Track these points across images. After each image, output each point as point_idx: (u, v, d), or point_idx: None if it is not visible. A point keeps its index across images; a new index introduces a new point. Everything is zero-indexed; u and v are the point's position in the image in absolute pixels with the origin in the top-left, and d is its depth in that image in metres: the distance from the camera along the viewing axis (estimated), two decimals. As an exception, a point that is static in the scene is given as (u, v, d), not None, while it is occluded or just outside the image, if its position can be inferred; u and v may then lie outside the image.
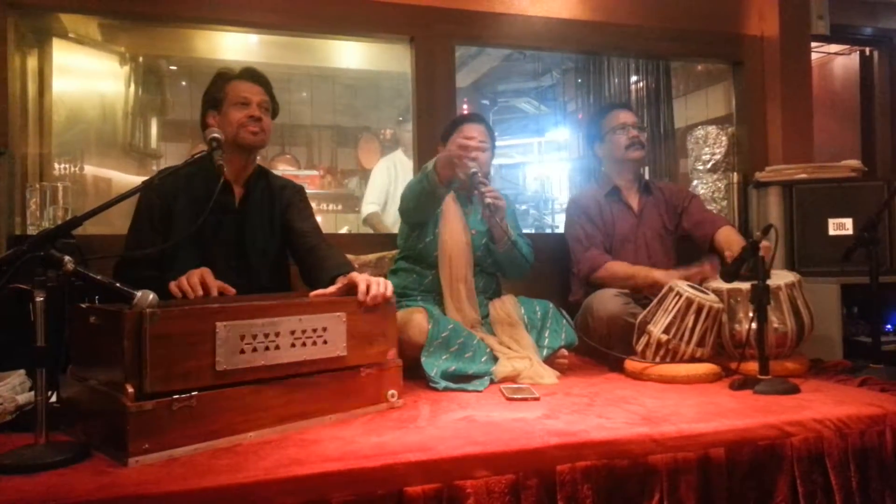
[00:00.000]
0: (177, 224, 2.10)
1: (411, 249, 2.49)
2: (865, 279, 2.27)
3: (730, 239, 2.64)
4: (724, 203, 3.52)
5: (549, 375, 2.19)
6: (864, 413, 1.72)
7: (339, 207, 5.10)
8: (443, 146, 2.57)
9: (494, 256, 2.49)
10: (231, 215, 2.15)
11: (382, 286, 1.83)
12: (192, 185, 2.13)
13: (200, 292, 1.85)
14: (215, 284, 1.90)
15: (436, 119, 3.01)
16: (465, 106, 5.61)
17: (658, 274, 2.51)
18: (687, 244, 2.87)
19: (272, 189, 2.27)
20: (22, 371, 1.77)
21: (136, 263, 2.02)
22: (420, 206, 2.35)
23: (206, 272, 1.91)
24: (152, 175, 1.93)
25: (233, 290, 1.93)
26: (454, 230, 2.44)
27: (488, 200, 2.26)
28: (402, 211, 2.47)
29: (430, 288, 2.44)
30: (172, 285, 1.87)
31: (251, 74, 2.21)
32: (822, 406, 1.77)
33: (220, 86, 2.19)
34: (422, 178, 2.26)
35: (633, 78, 4.59)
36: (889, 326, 3.01)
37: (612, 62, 4.74)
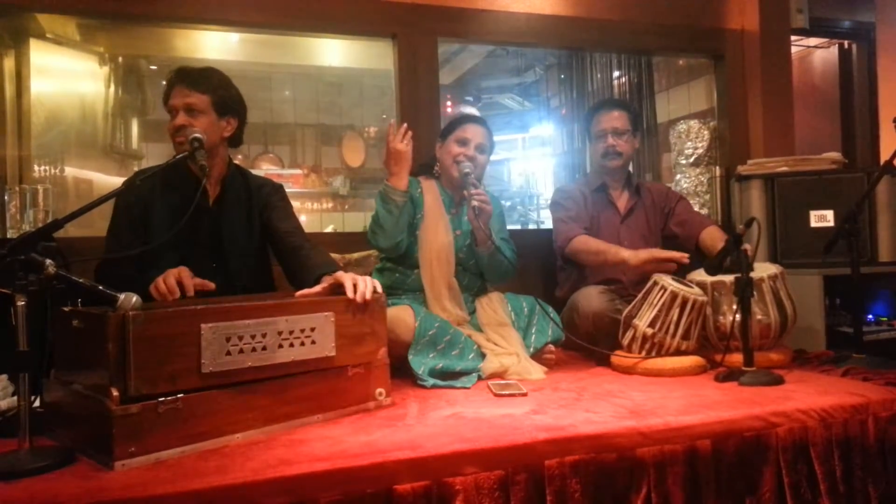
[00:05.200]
0: (155, 226, 2.07)
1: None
2: (847, 270, 2.30)
3: (714, 238, 2.65)
4: (707, 197, 3.55)
5: (536, 371, 2.20)
6: (847, 402, 1.74)
7: (324, 206, 5.09)
8: (440, 143, 2.56)
9: (477, 259, 2.49)
10: (206, 215, 2.11)
11: (370, 284, 1.82)
12: (169, 186, 2.09)
13: (178, 293, 1.82)
14: (191, 284, 1.86)
15: (420, 116, 3.01)
16: (448, 103, 5.61)
17: (626, 253, 2.49)
18: (673, 245, 2.89)
19: (249, 188, 2.22)
20: (4, 376, 1.75)
21: (119, 264, 2.00)
22: (394, 227, 2.32)
23: (183, 271, 1.88)
24: (131, 176, 1.91)
25: (212, 286, 1.90)
26: (436, 231, 2.43)
27: (475, 203, 2.30)
28: (382, 247, 2.41)
29: (415, 287, 2.43)
30: (152, 288, 1.84)
31: (179, 76, 2.08)
32: (807, 396, 1.79)
33: (166, 91, 2.09)
34: (384, 200, 2.29)
35: (616, 73, 4.62)
36: (871, 316, 3.05)
37: (594, 58, 4.76)
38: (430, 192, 2.51)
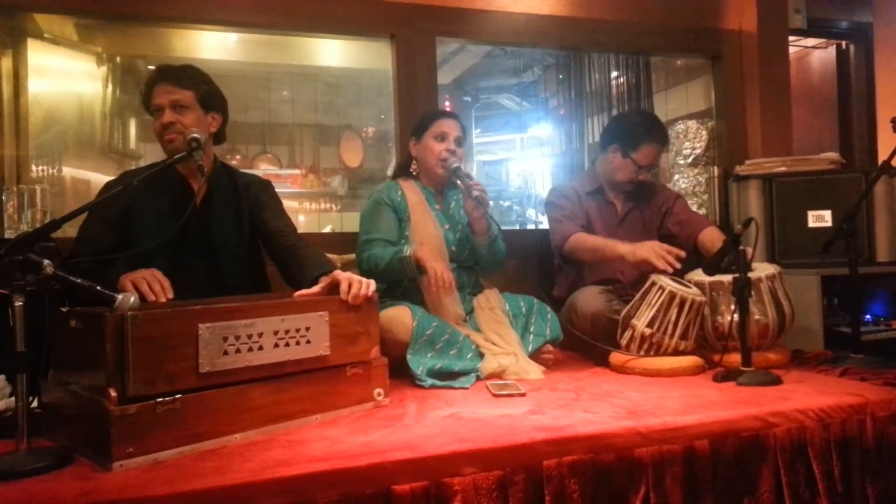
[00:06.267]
0: (140, 226, 2.03)
1: None
2: (845, 270, 2.31)
3: (713, 240, 2.64)
4: (705, 197, 3.55)
5: (534, 371, 2.20)
6: (845, 402, 1.74)
7: (322, 206, 5.08)
8: (415, 141, 2.56)
9: (473, 249, 2.49)
10: (194, 215, 2.04)
11: (364, 285, 1.83)
12: (154, 186, 2.05)
13: (163, 298, 1.79)
14: (168, 286, 1.84)
15: (418, 116, 3.00)
16: (447, 103, 5.61)
17: (623, 248, 2.45)
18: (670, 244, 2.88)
19: (237, 186, 2.20)
20: (2, 376, 1.75)
21: (86, 257, 1.92)
22: (388, 279, 2.33)
23: (157, 273, 1.84)
24: (119, 175, 1.88)
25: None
26: (425, 229, 2.43)
27: (476, 193, 2.31)
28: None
29: (411, 286, 2.42)
30: (125, 280, 1.79)
31: (160, 74, 2.06)
32: (804, 396, 1.79)
33: (147, 91, 2.07)
34: (400, 266, 2.26)
35: (614, 73, 4.62)
36: (869, 316, 3.05)
37: (592, 58, 4.77)
38: (412, 192, 2.50)
